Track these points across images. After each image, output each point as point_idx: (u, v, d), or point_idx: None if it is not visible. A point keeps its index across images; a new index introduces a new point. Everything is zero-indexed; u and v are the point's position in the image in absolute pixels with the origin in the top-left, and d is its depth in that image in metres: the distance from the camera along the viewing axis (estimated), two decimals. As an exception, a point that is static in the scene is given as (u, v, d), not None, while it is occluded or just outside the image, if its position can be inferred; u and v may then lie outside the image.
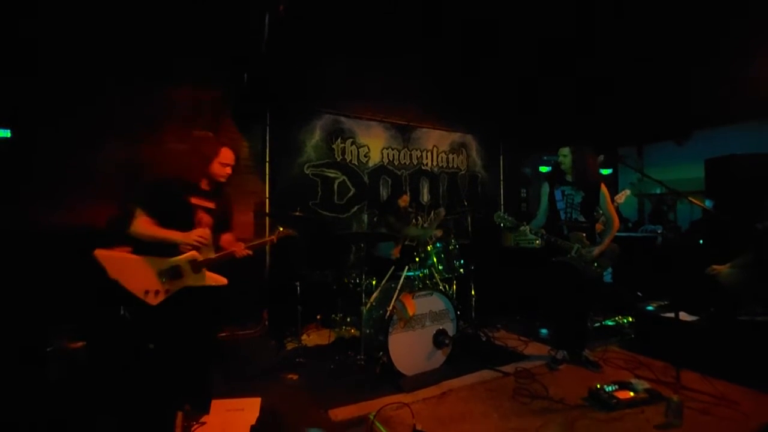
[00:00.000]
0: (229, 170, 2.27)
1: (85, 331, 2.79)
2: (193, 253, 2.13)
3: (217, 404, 2.17)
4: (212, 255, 2.23)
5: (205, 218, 2.24)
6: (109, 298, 2.17)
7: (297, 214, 3.59)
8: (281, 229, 2.68)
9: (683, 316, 3.28)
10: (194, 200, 2.20)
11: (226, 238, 2.40)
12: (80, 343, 2.70)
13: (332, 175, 4.67)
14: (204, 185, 2.25)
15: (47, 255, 3.10)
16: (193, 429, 1.92)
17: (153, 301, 2.05)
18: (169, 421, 1.70)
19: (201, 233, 2.12)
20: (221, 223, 2.35)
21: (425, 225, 4.19)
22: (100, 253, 2.06)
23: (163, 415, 1.67)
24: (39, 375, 2.55)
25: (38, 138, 3.33)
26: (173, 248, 2.11)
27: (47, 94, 3.35)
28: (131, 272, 2.06)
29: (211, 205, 2.26)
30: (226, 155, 2.24)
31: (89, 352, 2.70)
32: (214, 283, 2.20)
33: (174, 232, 2.09)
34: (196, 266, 2.15)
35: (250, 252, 2.39)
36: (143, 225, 2.06)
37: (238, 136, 4.23)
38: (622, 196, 3.92)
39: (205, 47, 3.95)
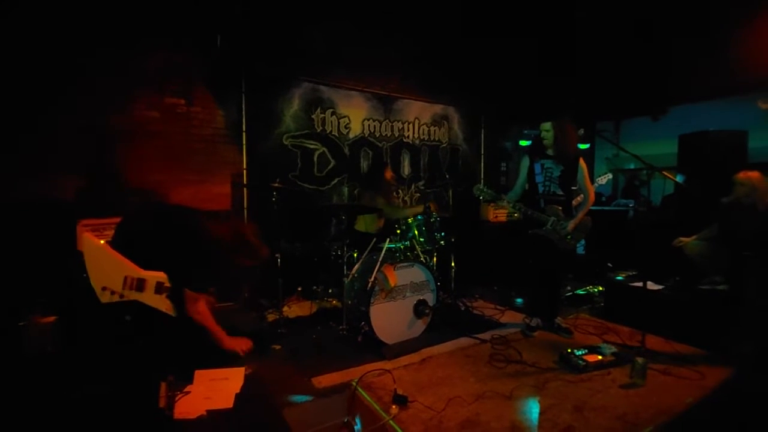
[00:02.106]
0: None
1: (57, 305, 2.71)
2: (161, 275, 2.16)
3: (200, 374, 2.18)
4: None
5: None
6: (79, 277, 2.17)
7: (276, 185, 3.52)
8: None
9: (650, 285, 3.46)
10: None
11: None
12: (52, 318, 2.63)
13: (312, 146, 4.57)
14: None
15: (15, 227, 2.96)
16: (177, 398, 1.93)
17: (104, 299, 2.08)
18: (153, 391, 1.70)
19: (247, 347, 2.42)
20: None
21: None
22: (90, 237, 2.10)
23: (147, 386, 1.67)
24: (15, 349, 2.48)
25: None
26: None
27: (9, 55, 3.10)
28: (101, 265, 2.09)
29: None
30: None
31: (62, 326, 2.64)
32: (166, 311, 2.20)
33: (223, 332, 2.34)
34: (160, 288, 2.17)
35: None
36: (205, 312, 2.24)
37: (213, 104, 4.05)
38: (604, 179, 4.04)
39: (176, 7, 3.71)
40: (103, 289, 2.07)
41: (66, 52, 3.29)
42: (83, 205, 3.29)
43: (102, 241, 2.15)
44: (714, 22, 4.41)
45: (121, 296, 2.10)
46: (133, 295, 2.12)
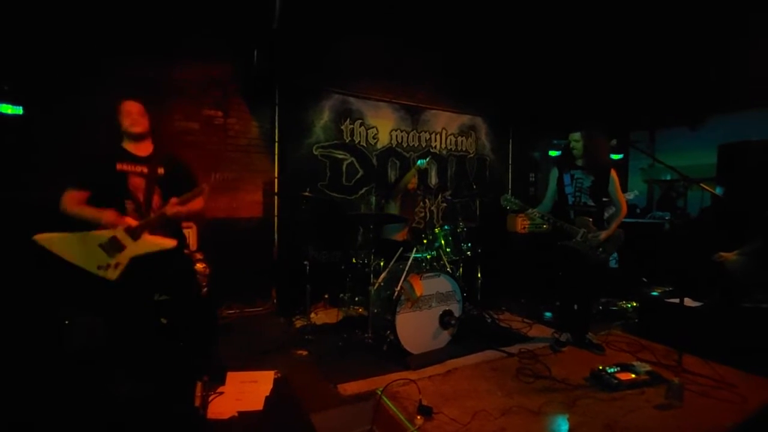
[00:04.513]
0: (138, 120, 2.19)
1: (100, 305, 2.86)
2: (126, 220, 2.05)
3: (232, 376, 2.26)
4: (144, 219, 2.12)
5: (138, 183, 2.17)
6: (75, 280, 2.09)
7: (306, 194, 3.62)
8: (216, 175, 2.44)
9: (688, 302, 3.32)
10: (121, 166, 2.14)
11: (173, 201, 2.17)
12: (95, 316, 2.77)
13: (341, 156, 4.67)
14: (132, 149, 2.20)
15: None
16: (210, 398, 2.01)
17: (111, 275, 2.00)
18: (189, 390, 1.78)
19: (112, 216, 2.04)
20: (167, 188, 2.23)
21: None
22: (41, 237, 2.00)
23: (184, 385, 1.75)
24: (57, 346, 2.64)
25: (51, 115, 3.35)
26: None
27: (59, 70, 3.35)
28: (77, 250, 2.01)
29: (143, 169, 2.19)
30: (129, 107, 2.18)
31: (104, 325, 2.78)
32: (159, 248, 2.10)
33: (92, 210, 2.04)
34: (133, 233, 2.06)
35: (181, 208, 2.15)
36: (69, 201, 2.03)
37: (248, 116, 4.24)
38: (630, 195, 3.95)
39: (216, 24, 3.92)
40: (99, 267, 2.00)
41: (110, 63, 3.52)
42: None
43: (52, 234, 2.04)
44: (757, 25, 4.23)
45: (117, 264, 2.02)
46: (124, 256, 2.03)
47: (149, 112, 2.30)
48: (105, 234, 2.03)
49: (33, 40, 3.26)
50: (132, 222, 2.06)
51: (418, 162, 3.91)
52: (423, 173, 5.09)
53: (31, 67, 3.25)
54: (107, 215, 2.02)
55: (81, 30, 3.41)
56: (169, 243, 2.12)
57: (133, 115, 2.18)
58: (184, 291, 2.28)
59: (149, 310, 2.16)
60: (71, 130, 3.40)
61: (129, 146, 2.21)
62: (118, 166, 2.13)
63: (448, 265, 3.49)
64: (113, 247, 2.04)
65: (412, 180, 4.05)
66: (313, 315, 3.85)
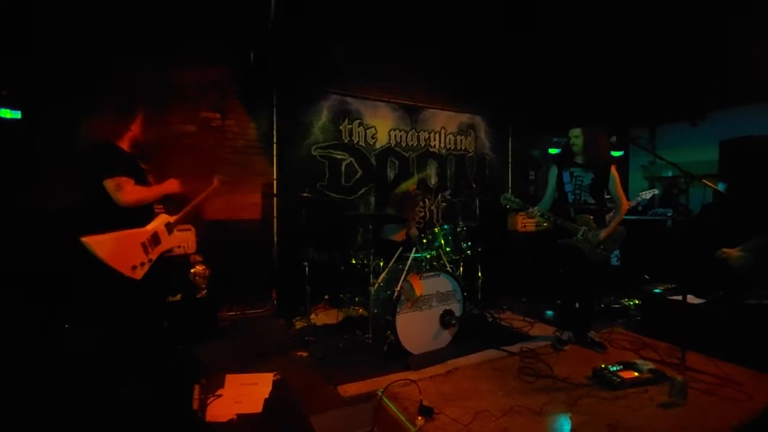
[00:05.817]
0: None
1: (99, 310, 2.85)
2: (164, 217, 2.23)
3: (231, 378, 2.25)
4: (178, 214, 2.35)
5: (154, 181, 2.37)
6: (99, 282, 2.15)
7: (305, 195, 3.61)
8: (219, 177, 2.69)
9: (691, 299, 3.29)
10: (141, 164, 2.31)
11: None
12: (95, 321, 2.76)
13: (339, 156, 4.66)
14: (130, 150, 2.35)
15: (61, 234, 3.16)
16: (209, 401, 1.99)
17: (138, 275, 2.06)
18: (187, 393, 1.77)
19: (175, 182, 2.34)
20: None
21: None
22: (91, 240, 1.97)
23: (182, 387, 1.74)
24: (58, 350, 2.63)
25: (48, 119, 3.33)
26: (146, 217, 2.21)
27: (56, 75, 3.34)
28: (120, 251, 2.04)
29: (148, 167, 2.36)
30: (143, 117, 2.37)
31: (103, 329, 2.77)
32: (183, 242, 2.37)
33: (154, 187, 2.25)
34: (170, 228, 2.25)
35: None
36: (136, 190, 2.14)
37: (246, 117, 4.22)
38: (648, 194, 3.91)
39: (212, 26, 3.91)
40: (133, 268, 2.05)
41: (107, 67, 3.49)
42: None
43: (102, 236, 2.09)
44: (758, 21, 4.19)
45: (150, 260, 2.13)
46: (157, 251, 2.17)
47: (151, 116, 2.44)
48: (148, 230, 2.15)
49: (29, 45, 3.25)
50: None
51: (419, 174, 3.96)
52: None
53: (28, 71, 3.24)
54: (172, 182, 2.31)
55: (83, 32, 3.39)
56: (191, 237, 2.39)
57: (146, 125, 2.36)
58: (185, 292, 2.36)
59: (158, 312, 2.21)
60: (70, 135, 3.39)
61: (127, 148, 2.31)
62: (140, 163, 2.29)
63: (448, 265, 3.47)
64: (153, 243, 2.16)
65: (412, 182, 4.07)
66: (313, 316, 3.84)
